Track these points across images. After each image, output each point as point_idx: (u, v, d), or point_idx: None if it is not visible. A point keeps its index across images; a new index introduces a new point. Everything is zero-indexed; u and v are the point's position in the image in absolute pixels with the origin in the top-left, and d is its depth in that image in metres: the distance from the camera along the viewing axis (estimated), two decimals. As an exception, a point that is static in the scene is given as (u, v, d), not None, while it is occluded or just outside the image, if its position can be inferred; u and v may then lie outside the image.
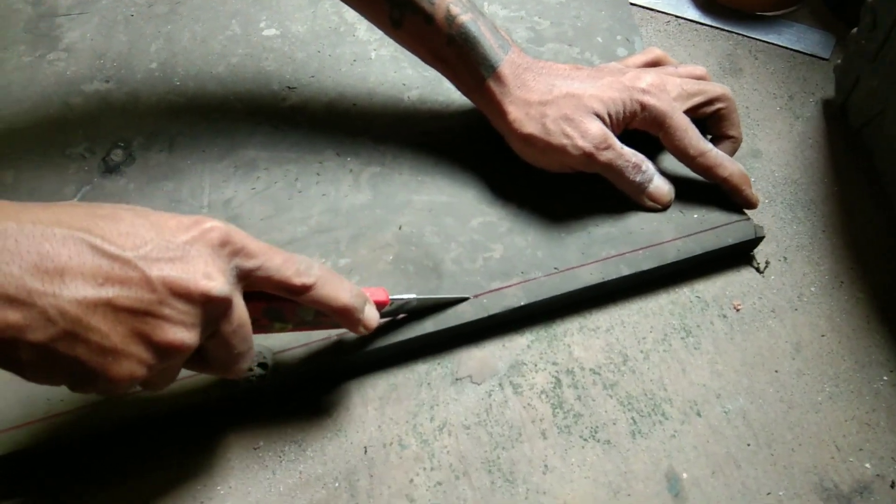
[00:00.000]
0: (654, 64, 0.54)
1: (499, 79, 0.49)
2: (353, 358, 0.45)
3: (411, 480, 0.42)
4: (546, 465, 0.43)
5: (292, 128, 0.57)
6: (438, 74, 0.53)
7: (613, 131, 0.48)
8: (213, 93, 0.60)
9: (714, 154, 0.49)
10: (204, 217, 0.36)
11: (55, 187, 0.54)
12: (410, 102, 0.58)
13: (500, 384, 0.45)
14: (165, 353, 0.33)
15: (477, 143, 0.55)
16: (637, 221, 0.50)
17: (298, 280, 0.38)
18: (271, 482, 0.42)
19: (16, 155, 0.57)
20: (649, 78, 0.48)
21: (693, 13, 0.68)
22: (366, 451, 0.43)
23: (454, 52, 0.49)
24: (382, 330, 0.45)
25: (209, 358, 0.37)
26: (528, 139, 0.48)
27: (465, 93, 0.52)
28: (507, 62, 0.49)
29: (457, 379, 0.46)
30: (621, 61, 0.54)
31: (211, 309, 0.34)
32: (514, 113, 0.48)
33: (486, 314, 0.46)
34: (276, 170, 0.54)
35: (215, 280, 0.34)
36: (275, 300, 0.39)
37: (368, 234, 0.50)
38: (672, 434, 0.44)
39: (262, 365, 0.45)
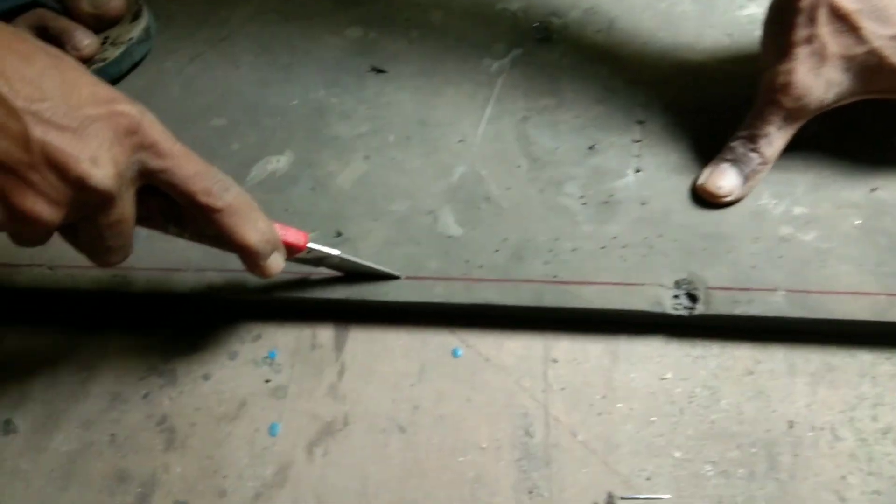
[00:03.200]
0: None
1: None
2: (795, 321, 0.41)
3: (843, 477, 0.38)
4: None
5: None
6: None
7: None
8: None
9: None
10: (123, 97, 0.33)
11: (484, 40, 0.54)
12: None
13: (969, 409, 0.40)
14: (18, 218, 0.31)
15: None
16: None
17: (205, 199, 0.35)
18: (678, 421, 0.40)
19: (445, -3, 0.57)
20: None
21: None
22: (791, 427, 0.40)
23: None
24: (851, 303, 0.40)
25: (78, 239, 0.35)
26: None
27: None
28: None
29: (913, 384, 0.40)
30: None
31: (84, 196, 0.32)
32: None
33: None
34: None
35: (100, 168, 0.31)
36: (177, 203, 0.36)
37: (833, 186, 0.45)
38: None
39: (690, 296, 0.42)
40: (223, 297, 0.45)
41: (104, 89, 0.32)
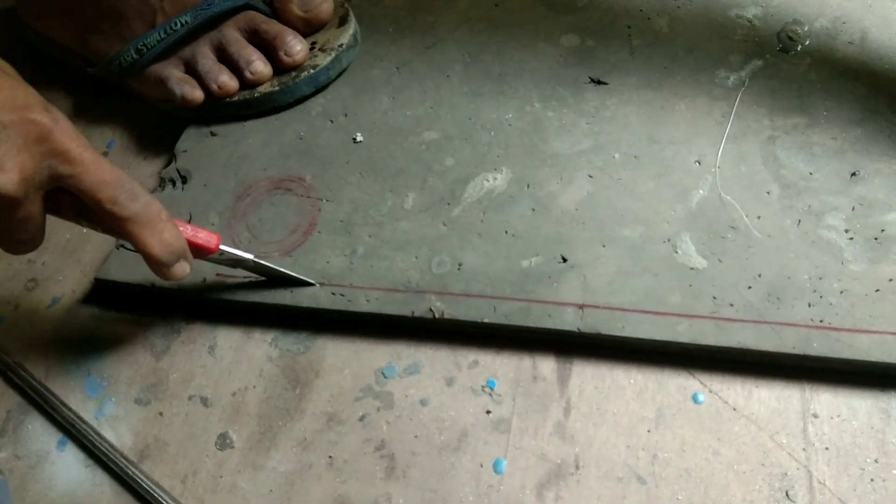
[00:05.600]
0: None
1: None
2: None
3: None
4: None
5: None
6: None
7: None
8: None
9: None
10: (40, 104, 0.36)
11: (717, 51, 0.51)
12: None
13: None
14: None
15: None
16: None
17: (110, 206, 0.38)
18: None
19: (671, 0, 0.54)
20: None
21: None
22: None
23: None
24: None
25: None
26: None
27: None
28: None
29: None
30: None
31: None
32: None
33: None
34: None
35: (4, 174, 0.34)
36: None
37: None
38: None
39: None
40: (444, 320, 0.43)
41: (22, 95, 0.36)
